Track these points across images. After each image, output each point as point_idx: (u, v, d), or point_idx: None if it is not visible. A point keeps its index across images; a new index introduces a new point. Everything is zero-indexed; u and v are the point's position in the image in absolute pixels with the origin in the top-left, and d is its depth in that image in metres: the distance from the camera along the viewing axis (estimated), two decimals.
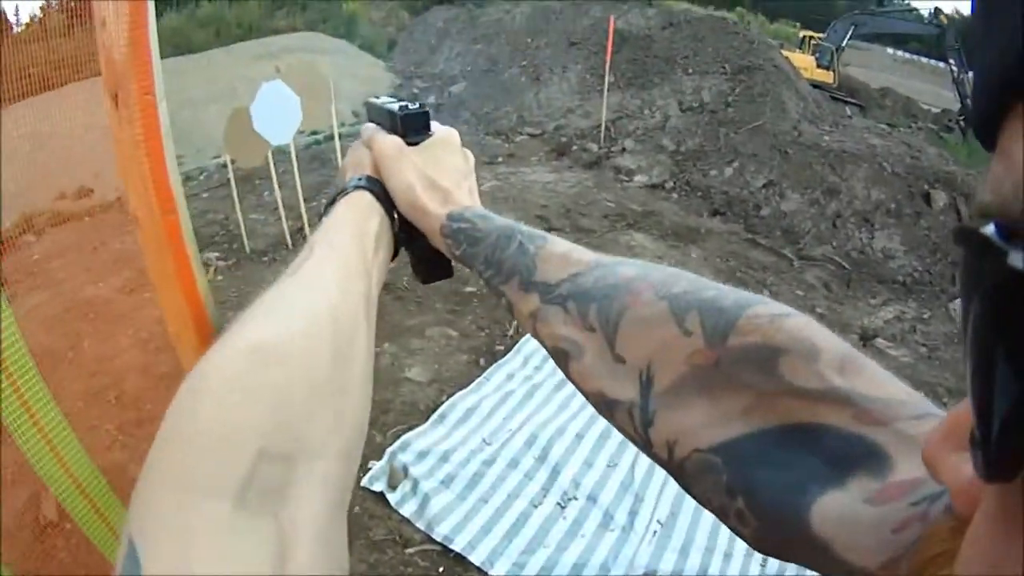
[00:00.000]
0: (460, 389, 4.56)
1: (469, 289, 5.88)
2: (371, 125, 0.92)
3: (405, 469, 3.75)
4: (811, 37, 20.00)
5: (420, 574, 3.28)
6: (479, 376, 4.66)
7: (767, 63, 10.48)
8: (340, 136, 7.65)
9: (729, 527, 0.53)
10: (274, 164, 7.11)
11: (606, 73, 9.81)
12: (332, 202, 0.79)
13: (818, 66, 17.51)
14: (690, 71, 10.61)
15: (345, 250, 0.68)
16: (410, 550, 3.38)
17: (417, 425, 4.21)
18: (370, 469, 3.82)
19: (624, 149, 9.53)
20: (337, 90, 13.01)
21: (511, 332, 5.22)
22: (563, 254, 0.70)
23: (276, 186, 7.26)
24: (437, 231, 0.79)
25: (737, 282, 6.07)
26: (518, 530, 3.43)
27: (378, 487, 3.68)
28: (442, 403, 4.43)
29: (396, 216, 0.82)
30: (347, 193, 0.79)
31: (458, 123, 12.16)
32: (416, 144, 0.86)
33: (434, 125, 0.90)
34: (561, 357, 0.66)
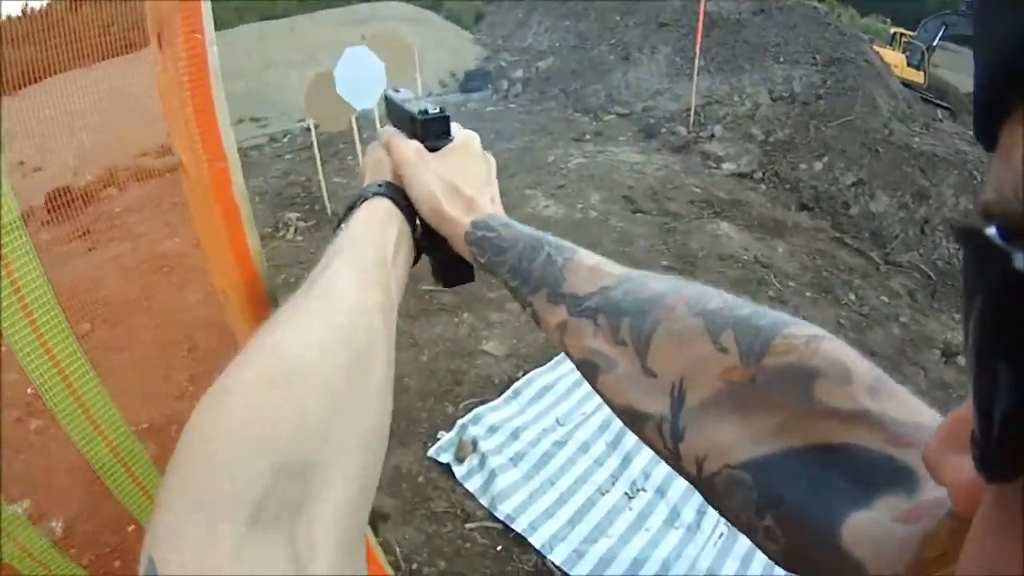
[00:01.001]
0: (537, 366, 4.50)
1: None
2: (390, 128, 0.91)
3: (474, 443, 3.74)
4: (902, 34, 19.25)
5: (478, 550, 3.27)
6: (558, 355, 4.53)
7: (858, 57, 10.10)
8: None
9: (755, 543, 0.53)
10: (358, 129, 7.19)
11: (696, 56, 9.60)
12: (352, 207, 0.79)
13: (908, 65, 16.87)
14: (781, 59, 10.33)
15: (363, 262, 0.68)
16: (470, 525, 3.39)
17: (490, 399, 4.20)
18: (439, 439, 3.83)
19: (713, 135, 9.35)
20: (422, 61, 13.07)
21: None
22: (592, 267, 0.71)
23: (359, 151, 7.29)
24: (461, 238, 0.79)
25: (823, 282, 6.07)
26: (582, 516, 3.38)
27: (445, 459, 3.68)
28: (518, 378, 4.39)
29: (417, 222, 0.82)
30: (366, 199, 0.78)
31: (546, 99, 12.25)
32: (436, 149, 0.85)
33: (454, 128, 0.88)
34: (589, 369, 0.67)
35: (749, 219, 7.05)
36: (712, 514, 3.39)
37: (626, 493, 3.55)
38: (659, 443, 0.60)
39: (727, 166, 8.62)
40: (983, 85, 0.24)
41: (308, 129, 7.41)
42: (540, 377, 4.36)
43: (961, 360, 5.32)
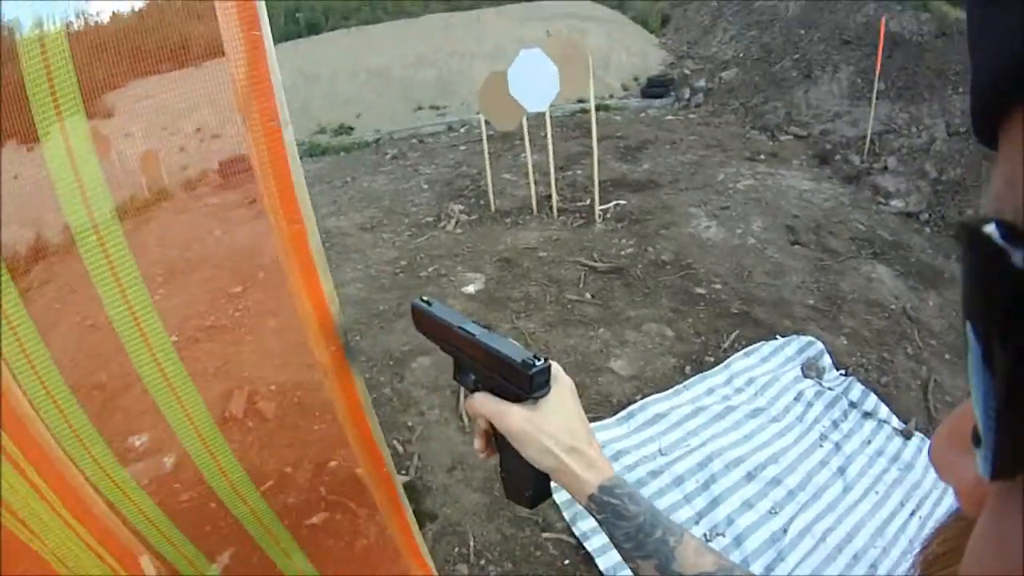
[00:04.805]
0: (658, 391, 4.61)
1: (699, 291, 5.91)
2: (481, 400, 0.97)
3: None
4: None
5: (547, 560, 3.50)
6: (680, 383, 4.71)
7: None
8: (600, 108, 7.63)
9: None
10: (528, 129, 7.31)
11: (876, 80, 9.27)
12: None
13: None
14: (960, 90, 9.70)
15: None
16: (547, 535, 3.62)
17: (604, 417, 4.34)
18: None
19: (886, 168, 9.01)
20: (607, 61, 13.14)
21: (726, 344, 5.21)
22: (695, 551, 0.86)
23: (528, 150, 7.49)
24: (584, 496, 0.91)
25: (961, 343, 5.60)
26: None
27: None
28: (635, 401, 4.50)
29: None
30: None
31: (725, 111, 12.12)
32: (538, 399, 0.93)
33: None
34: None
35: (907, 264, 6.82)
36: (780, 571, 3.43)
37: (705, 534, 3.60)
38: None
39: (895, 203, 8.32)
40: (982, 82, 0.25)
41: (486, 122, 7.67)
42: (656, 404, 4.48)
43: None
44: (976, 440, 0.25)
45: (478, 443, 1.02)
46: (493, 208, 7.99)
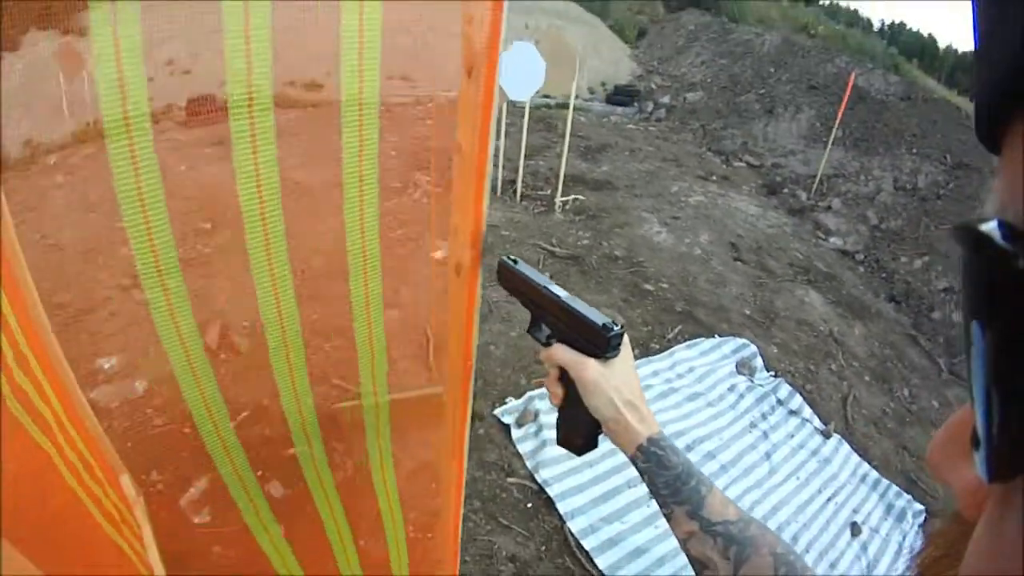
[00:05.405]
0: None
1: (648, 287, 6.25)
2: (561, 350, 1.07)
3: (536, 414, 4.23)
4: None
5: (511, 502, 3.75)
6: (641, 358, 5.09)
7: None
8: (565, 106, 7.76)
9: None
10: (505, 115, 7.41)
11: (835, 127, 9.78)
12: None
13: None
14: (913, 150, 10.31)
15: None
16: (511, 479, 3.88)
17: None
18: (507, 403, 4.33)
19: (830, 207, 9.54)
20: (579, 62, 13.22)
21: (670, 336, 5.57)
22: (721, 503, 0.99)
23: (503, 135, 7.61)
24: (633, 445, 1.02)
25: (884, 372, 6.16)
26: (607, 500, 3.85)
27: (507, 420, 4.19)
28: None
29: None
30: None
31: (685, 130, 12.35)
32: (607, 357, 1.04)
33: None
34: (700, 566, 0.97)
35: (838, 295, 7.29)
36: None
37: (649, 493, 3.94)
38: None
39: (834, 240, 8.84)
40: (986, 85, 0.25)
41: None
42: None
43: None
44: (975, 442, 0.27)
45: (559, 390, 1.10)
46: None
